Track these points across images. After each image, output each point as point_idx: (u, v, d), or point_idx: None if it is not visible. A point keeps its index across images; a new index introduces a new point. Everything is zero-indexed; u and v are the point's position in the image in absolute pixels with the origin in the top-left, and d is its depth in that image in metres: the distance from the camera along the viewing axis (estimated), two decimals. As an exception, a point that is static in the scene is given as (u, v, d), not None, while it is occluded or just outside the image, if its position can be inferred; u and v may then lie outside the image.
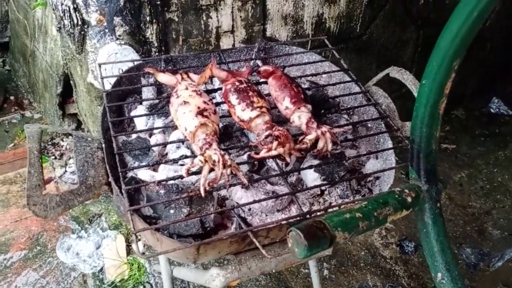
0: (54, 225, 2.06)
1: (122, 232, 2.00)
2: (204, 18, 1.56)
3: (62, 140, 2.47)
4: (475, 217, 2.16)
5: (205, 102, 0.96)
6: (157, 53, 1.51)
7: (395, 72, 1.17)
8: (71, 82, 1.88)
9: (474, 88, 2.67)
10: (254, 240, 0.82)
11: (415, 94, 1.11)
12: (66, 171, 2.33)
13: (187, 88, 0.99)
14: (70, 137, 2.47)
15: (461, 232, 2.09)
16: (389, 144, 1.05)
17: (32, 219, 2.10)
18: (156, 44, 1.53)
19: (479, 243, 2.05)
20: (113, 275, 1.85)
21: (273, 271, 0.93)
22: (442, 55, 0.70)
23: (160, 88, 1.17)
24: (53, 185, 2.26)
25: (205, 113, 0.94)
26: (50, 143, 2.45)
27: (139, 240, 1.70)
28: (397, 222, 2.10)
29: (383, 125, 1.09)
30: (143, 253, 1.91)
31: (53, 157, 2.38)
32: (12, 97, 2.77)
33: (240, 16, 1.62)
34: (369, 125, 1.14)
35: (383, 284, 1.86)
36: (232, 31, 1.65)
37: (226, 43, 1.67)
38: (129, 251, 1.94)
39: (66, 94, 2.29)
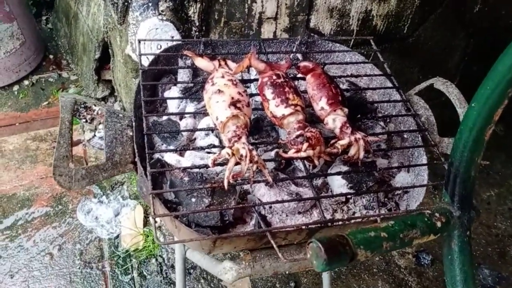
0: (77, 187, 2.11)
1: (142, 203, 2.03)
2: (249, 2, 1.52)
3: (95, 104, 2.51)
4: (499, 239, 2.09)
5: (239, 93, 0.94)
6: (197, 33, 1.49)
7: (440, 84, 1.11)
8: (110, 51, 1.89)
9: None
10: (272, 241, 0.81)
11: (458, 110, 1.06)
12: (95, 135, 2.37)
13: (223, 76, 0.97)
14: (102, 102, 2.50)
15: (482, 252, 2.03)
16: (424, 159, 1.01)
17: (57, 179, 2.15)
18: (197, 24, 1.50)
19: (498, 266, 1.98)
20: (128, 244, 1.89)
21: (287, 272, 0.92)
22: (498, 80, 0.66)
23: (196, 71, 1.15)
24: (81, 148, 2.31)
25: (238, 105, 0.92)
26: (83, 106, 2.49)
27: (158, 225, 1.72)
28: (417, 233, 2.05)
29: (419, 138, 1.05)
30: (159, 227, 1.93)
31: (84, 120, 2.42)
32: (51, 56, 2.82)
33: (286, 4, 1.58)
34: (405, 136, 1.09)
35: (393, 293, 1.84)
36: (275, 18, 1.61)
37: (267, 29, 1.63)
38: (146, 222, 1.97)
39: (103, 60, 2.31)
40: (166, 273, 1.81)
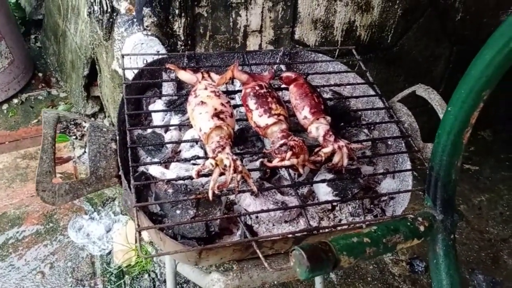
0: (68, 204, 2.10)
1: (132, 218, 2.02)
2: (233, 16, 1.54)
3: (85, 121, 2.51)
4: (491, 244, 2.09)
5: (222, 104, 0.95)
6: (183, 47, 1.50)
7: (421, 90, 1.13)
8: (97, 67, 1.90)
9: (504, 110, 2.57)
10: (258, 251, 0.81)
11: (440, 116, 1.07)
12: (85, 151, 2.36)
13: (206, 88, 0.97)
14: (92, 119, 2.50)
15: (475, 258, 2.02)
16: (408, 165, 1.02)
17: (47, 197, 2.14)
18: (182, 38, 1.52)
19: (492, 271, 1.98)
20: (120, 260, 1.87)
21: (275, 282, 0.92)
22: (472, 84, 0.67)
23: (180, 84, 1.16)
24: (72, 165, 2.30)
25: (221, 116, 0.92)
26: (72, 123, 2.49)
27: (141, 237, 1.72)
28: (409, 240, 2.04)
29: (403, 144, 1.05)
30: (149, 242, 1.92)
31: (74, 137, 2.42)
32: (40, 74, 2.82)
33: (270, 17, 1.60)
34: (389, 142, 1.10)
35: (388, 301, 1.83)
36: (260, 31, 1.63)
37: (253, 42, 1.65)
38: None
39: (92, 77, 2.32)
40: (159, 289, 1.79)
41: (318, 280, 1.50)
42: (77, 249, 1.95)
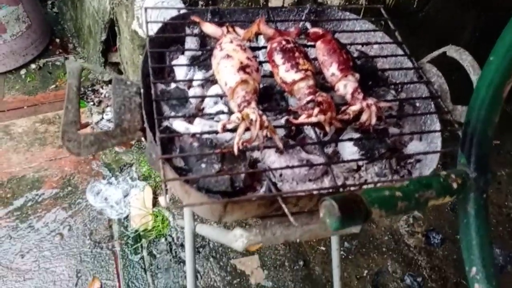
0: (86, 169, 2.12)
1: (150, 184, 2.03)
2: (256, -25, 1.50)
3: (102, 87, 2.51)
4: (510, 218, 2.07)
5: (248, 58, 0.92)
6: (203, 6, 1.46)
7: (453, 51, 1.09)
8: (116, 28, 1.87)
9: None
10: (283, 205, 0.80)
11: (472, 77, 1.03)
12: (103, 118, 2.37)
13: (231, 42, 0.95)
14: (109, 85, 2.49)
15: (493, 232, 2.00)
16: (437, 126, 0.99)
17: (66, 160, 2.16)
18: (204, -3, 1.48)
19: (509, 245, 1.96)
20: (137, 224, 1.90)
21: (297, 240, 0.91)
22: (519, 31, 0.63)
23: (203, 40, 1.13)
24: (89, 130, 2.30)
25: (247, 70, 0.90)
26: (90, 89, 2.48)
27: (167, 190, 1.72)
28: (426, 212, 2.03)
29: (432, 105, 1.02)
30: (167, 208, 1.93)
31: (92, 103, 2.42)
32: (57, 40, 2.81)
33: (294, -23, 1.55)
34: (417, 104, 1.07)
35: (403, 272, 1.83)
36: (283, -8, 1.58)
37: (274, 3, 1.60)
38: (155, 203, 1.97)
39: (110, 42, 2.29)
40: (176, 252, 1.81)
41: (334, 246, 1.50)
42: (95, 213, 1.97)
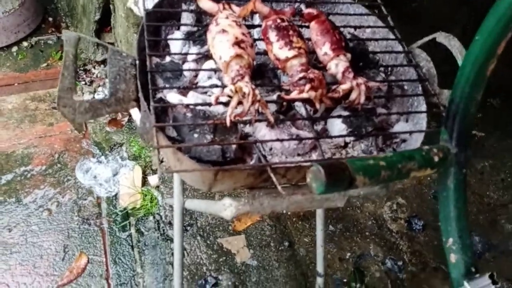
0: (76, 147, 2.13)
1: (140, 164, 2.05)
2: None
3: (94, 67, 2.50)
4: (490, 208, 2.13)
5: (243, 34, 0.95)
6: (200, -14, 1.47)
7: (442, 37, 1.12)
8: (111, 6, 1.87)
9: (514, 78, 2.55)
10: (272, 175, 0.82)
11: (460, 62, 1.07)
12: (94, 97, 2.37)
13: (227, 18, 0.97)
14: (102, 65, 2.49)
15: (473, 220, 2.07)
16: (423, 107, 1.02)
17: (56, 138, 2.16)
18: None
19: (489, 234, 2.03)
20: (126, 202, 1.92)
21: (284, 211, 0.94)
22: (502, 12, 0.67)
23: (199, 17, 1.15)
24: (79, 109, 2.30)
25: (242, 45, 0.92)
26: (82, 69, 2.48)
27: (160, 160, 1.75)
28: (410, 199, 2.09)
29: (420, 88, 1.06)
30: (157, 187, 1.95)
31: (84, 82, 2.42)
32: (50, 19, 2.79)
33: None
34: (405, 87, 1.10)
35: (384, 256, 1.88)
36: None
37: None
38: (144, 182, 1.99)
39: (103, 23, 2.29)
40: (163, 230, 1.84)
41: (319, 227, 1.54)
42: (84, 190, 1.99)
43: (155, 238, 1.82)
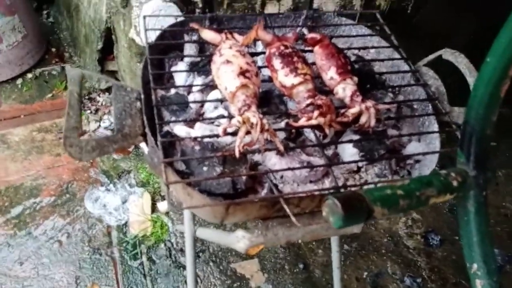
0: (84, 176, 2.12)
1: (149, 190, 2.03)
2: (252, -18, 1.52)
3: (99, 95, 2.51)
4: (508, 219, 2.08)
5: (248, 63, 0.94)
6: (200, 14, 1.48)
7: (448, 54, 1.11)
8: (113, 37, 1.88)
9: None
10: (285, 206, 0.80)
11: (468, 79, 1.05)
12: (100, 125, 2.37)
13: (231, 48, 0.96)
14: (106, 93, 2.50)
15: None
16: (435, 127, 1.00)
17: (64, 168, 2.16)
18: (200, 5, 1.50)
19: (508, 246, 1.98)
20: (136, 230, 1.90)
21: (299, 241, 0.92)
22: (513, 32, 0.65)
23: (202, 47, 1.15)
24: (87, 138, 2.31)
25: (247, 74, 0.91)
26: (87, 97, 2.49)
27: (170, 193, 1.73)
28: (425, 214, 2.05)
29: (430, 107, 1.04)
30: (166, 213, 1.94)
31: (89, 111, 2.42)
32: (53, 49, 2.81)
33: (289, -17, 1.57)
34: (415, 106, 1.09)
35: (402, 273, 1.83)
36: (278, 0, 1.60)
37: (271, 11, 1.62)
38: (154, 209, 1.97)
39: (106, 51, 2.30)
40: (175, 257, 1.81)
41: (334, 248, 1.51)
42: (94, 220, 1.97)
43: (167, 266, 1.79)
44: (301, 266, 1.81)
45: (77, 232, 1.92)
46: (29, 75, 2.63)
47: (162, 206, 1.98)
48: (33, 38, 2.60)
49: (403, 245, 1.93)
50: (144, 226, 1.90)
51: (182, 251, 1.80)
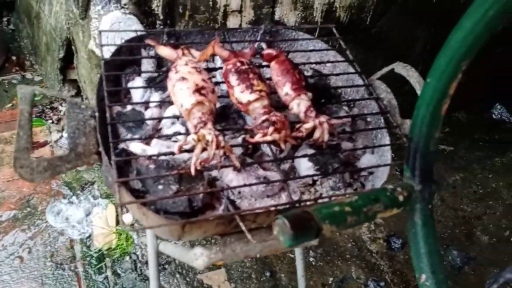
0: (46, 188, 2.06)
1: (113, 201, 2.00)
2: (213, -5, 1.53)
3: (61, 105, 2.46)
4: (465, 221, 2.17)
5: (203, 80, 0.94)
6: (161, 27, 1.48)
7: (400, 67, 1.15)
8: (73, 47, 1.85)
9: (479, 92, 2.64)
10: (241, 223, 0.82)
11: (419, 92, 1.09)
12: (62, 136, 2.32)
13: (187, 64, 0.97)
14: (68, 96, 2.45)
15: (450, 234, 2.09)
16: (387, 140, 1.04)
17: (24, 181, 2.10)
18: (161, 17, 1.50)
19: (466, 247, 2.05)
20: (100, 243, 1.86)
21: (258, 255, 0.93)
22: (451, 54, 0.68)
23: (160, 62, 1.15)
24: (48, 149, 2.25)
25: (202, 91, 0.92)
26: (48, 107, 2.43)
27: (127, 212, 1.70)
28: (387, 218, 2.10)
29: (382, 120, 1.07)
30: (131, 225, 1.91)
31: (51, 121, 2.37)
32: (14, 57, 2.73)
33: (250, -4, 1.59)
34: (368, 119, 1.12)
35: (366, 278, 1.88)
36: (240, 11, 1.61)
37: (233, 22, 1.63)
38: (118, 221, 1.94)
39: (68, 60, 2.26)
40: (141, 270, 1.79)
41: (298, 256, 1.53)
42: (56, 233, 1.93)
43: (132, 280, 1.77)
44: (267, 274, 1.83)
45: (39, 247, 1.87)
46: (-12, 84, 2.55)
47: (127, 218, 1.95)
48: (-8, 46, 2.52)
49: (366, 249, 1.98)
50: (109, 239, 1.87)
51: (147, 263, 1.78)
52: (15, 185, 2.08)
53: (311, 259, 1.91)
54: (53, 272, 1.79)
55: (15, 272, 1.78)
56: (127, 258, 1.84)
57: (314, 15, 1.75)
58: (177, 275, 1.78)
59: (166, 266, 1.80)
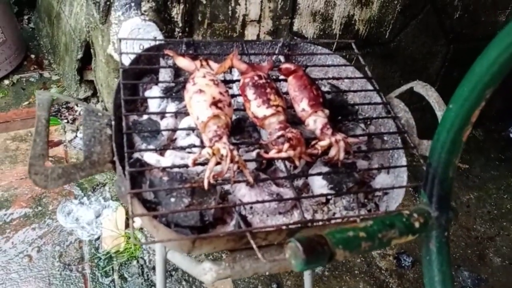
0: (57, 188, 2.08)
1: (123, 204, 2.01)
2: (232, 4, 1.52)
3: (77, 105, 2.48)
4: (478, 241, 2.12)
5: (221, 93, 0.94)
6: (180, 34, 1.48)
7: (419, 87, 1.13)
8: (91, 50, 1.87)
9: (497, 110, 2.60)
10: (252, 242, 0.81)
11: (437, 112, 1.07)
12: (76, 136, 2.34)
13: (204, 76, 0.96)
14: (85, 103, 2.47)
15: (461, 254, 2.05)
16: (403, 160, 1.02)
17: (37, 180, 2.11)
18: (180, 25, 1.50)
19: (478, 268, 2.01)
20: (109, 246, 1.87)
21: (267, 273, 0.92)
22: (475, 82, 0.67)
23: (178, 71, 1.14)
24: (62, 148, 2.27)
25: (219, 105, 0.91)
26: (64, 106, 2.46)
27: (140, 226, 1.70)
28: (398, 235, 2.07)
29: (399, 140, 1.06)
30: (140, 229, 1.91)
31: (66, 120, 2.39)
32: (32, 56, 2.77)
33: (269, 7, 1.58)
34: (385, 138, 1.10)
35: (374, 295, 1.85)
36: (259, 21, 1.61)
37: (251, 32, 1.63)
38: (127, 224, 1.95)
39: (86, 60, 2.28)
40: (148, 275, 1.79)
41: (307, 272, 1.51)
42: (66, 234, 1.94)
43: (139, 285, 1.76)
44: (274, 286, 1.81)
45: (48, 246, 1.88)
46: (6, 82, 2.59)
47: (137, 221, 1.95)
48: (12, 44, 2.56)
49: (375, 266, 1.95)
50: (117, 242, 1.87)
51: (154, 269, 1.78)
52: (27, 183, 2.10)
53: (319, 273, 1.89)
54: (60, 272, 1.80)
55: (23, 270, 1.80)
56: (135, 262, 1.84)
57: (333, 27, 1.74)
58: (183, 283, 1.78)
59: (173, 273, 1.80)
